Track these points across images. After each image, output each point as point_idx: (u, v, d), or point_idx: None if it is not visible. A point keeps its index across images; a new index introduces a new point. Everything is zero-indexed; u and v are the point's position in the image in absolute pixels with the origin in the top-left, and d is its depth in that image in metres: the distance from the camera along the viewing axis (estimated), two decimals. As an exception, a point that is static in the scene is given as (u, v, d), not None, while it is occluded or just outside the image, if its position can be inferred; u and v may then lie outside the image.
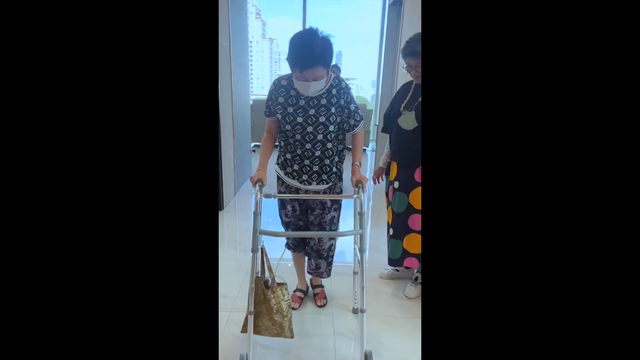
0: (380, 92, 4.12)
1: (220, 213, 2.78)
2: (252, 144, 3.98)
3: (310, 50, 1.14)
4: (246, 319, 1.27)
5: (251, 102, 3.87)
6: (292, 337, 1.30)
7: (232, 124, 2.94)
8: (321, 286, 1.73)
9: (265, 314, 1.27)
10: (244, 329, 1.28)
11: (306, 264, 1.67)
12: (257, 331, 1.28)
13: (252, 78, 3.79)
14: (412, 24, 2.70)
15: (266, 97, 1.36)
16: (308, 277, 1.74)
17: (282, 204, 1.50)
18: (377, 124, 4.48)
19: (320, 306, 1.66)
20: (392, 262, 1.74)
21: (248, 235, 2.48)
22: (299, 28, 4.99)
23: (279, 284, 1.28)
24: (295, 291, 1.73)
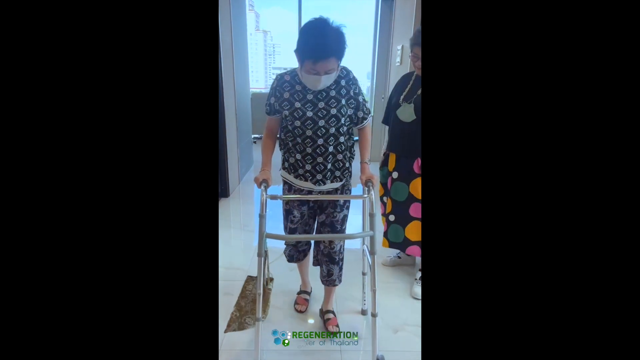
0: (374, 84, 4.27)
1: (226, 200, 2.98)
2: (253, 136, 4.14)
3: (325, 40, 1.06)
4: (232, 319, 1.28)
5: (250, 95, 4.03)
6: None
7: (235, 117, 3.11)
8: (332, 312, 1.55)
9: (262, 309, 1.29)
10: (229, 329, 1.27)
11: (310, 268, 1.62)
12: (243, 327, 1.27)
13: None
14: (404, 17, 2.86)
15: (268, 94, 1.29)
16: (311, 279, 1.71)
17: (288, 212, 1.39)
18: (372, 114, 4.64)
19: (333, 332, 1.46)
20: (394, 245, 1.77)
21: (251, 218, 2.73)
22: (293, 19, 5.10)
23: (271, 279, 1.36)
24: (299, 293, 1.67)
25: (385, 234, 1.81)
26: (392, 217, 1.75)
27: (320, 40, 1.07)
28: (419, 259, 1.78)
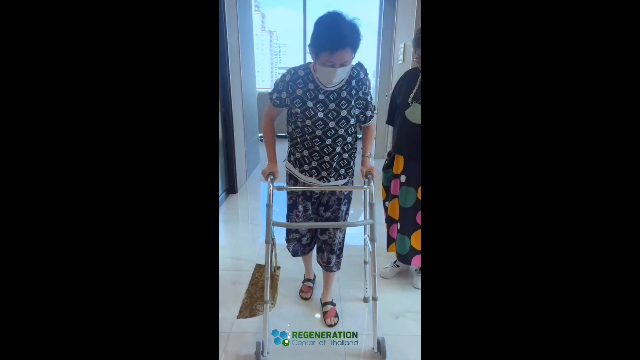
0: (378, 82, 4.32)
1: (234, 195, 3.09)
2: (259, 134, 4.24)
3: (340, 31, 1.07)
4: (243, 305, 1.35)
5: (256, 95, 4.11)
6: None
7: (243, 117, 3.20)
8: (332, 304, 1.59)
9: (271, 296, 1.35)
10: (241, 315, 1.33)
11: (315, 257, 1.63)
12: (254, 313, 1.33)
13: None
14: (406, 15, 2.91)
15: (277, 85, 1.27)
16: (314, 268, 1.76)
17: (293, 205, 1.43)
18: (376, 111, 4.68)
19: (330, 325, 1.51)
20: (400, 257, 1.71)
21: (258, 213, 2.84)
22: (299, 19, 5.15)
23: (278, 267, 1.43)
24: (304, 282, 1.75)
25: (394, 242, 1.73)
26: (398, 226, 1.67)
27: (336, 32, 1.07)
28: None
